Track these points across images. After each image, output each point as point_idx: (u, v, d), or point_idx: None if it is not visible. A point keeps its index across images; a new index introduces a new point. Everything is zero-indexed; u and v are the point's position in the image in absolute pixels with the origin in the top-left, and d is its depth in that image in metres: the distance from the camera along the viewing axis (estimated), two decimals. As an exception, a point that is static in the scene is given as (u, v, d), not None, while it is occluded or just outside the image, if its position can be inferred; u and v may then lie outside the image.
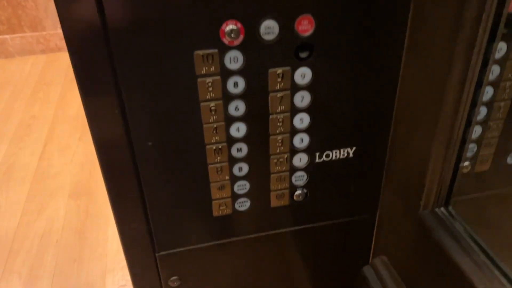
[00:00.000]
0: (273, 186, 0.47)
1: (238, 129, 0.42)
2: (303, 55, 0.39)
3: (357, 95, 0.42)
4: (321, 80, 0.40)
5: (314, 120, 0.43)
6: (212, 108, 0.40)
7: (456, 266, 0.36)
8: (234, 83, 0.39)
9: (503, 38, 0.37)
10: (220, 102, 0.40)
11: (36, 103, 1.86)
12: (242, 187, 0.46)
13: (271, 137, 0.43)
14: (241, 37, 0.36)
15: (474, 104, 0.39)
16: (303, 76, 0.40)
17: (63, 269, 1.16)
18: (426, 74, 0.39)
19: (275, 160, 0.45)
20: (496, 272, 0.34)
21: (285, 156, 0.45)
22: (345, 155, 0.46)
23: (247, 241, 0.50)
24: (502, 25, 0.35)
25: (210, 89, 0.39)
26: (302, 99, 0.41)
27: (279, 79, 0.39)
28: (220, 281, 0.54)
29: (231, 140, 0.42)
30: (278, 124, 0.42)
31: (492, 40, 0.35)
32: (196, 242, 0.49)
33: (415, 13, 0.38)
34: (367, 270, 0.49)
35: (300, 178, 0.47)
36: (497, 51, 0.38)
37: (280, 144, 0.44)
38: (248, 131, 0.42)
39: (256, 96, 0.40)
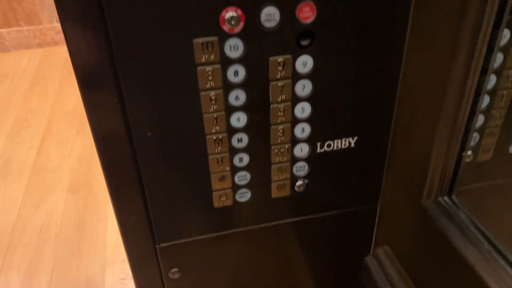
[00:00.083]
0: (274, 177, 0.46)
1: (239, 119, 0.41)
2: (305, 42, 0.38)
3: (359, 83, 0.42)
4: (323, 68, 0.40)
5: (316, 110, 0.42)
6: (212, 97, 0.39)
7: (460, 255, 0.36)
8: (235, 72, 0.38)
9: (508, 25, 0.36)
10: (220, 91, 0.39)
11: (33, 98, 1.85)
12: (242, 178, 0.45)
13: (272, 127, 0.42)
14: (241, 24, 0.36)
15: (477, 93, 0.38)
16: (305, 64, 0.39)
17: (62, 263, 1.15)
18: (429, 61, 0.38)
19: (276, 151, 0.44)
20: (501, 261, 0.34)
21: (286, 146, 0.44)
22: (347, 145, 0.46)
23: (248, 232, 0.50)
24: (507, 11, 0.34)
25: (210, 78, 0.38)
26: (304, 88, 0.41)
27: (280, 68, 0.39)
28: (221, 272, 0.54)
29: (232, 130, 0.42)
30: (279, 113, 0.42)
31: (497, 27, 0.35)
32: (197, 233, 0.48)
33: (418, -1, 0.37)
34: (369, 261, 0.49)
35: (301, 169, 0.46)
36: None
37: (281, 134, 0.43)
38: (248, 121, 0.41)
39: (257, 85, 0.40)
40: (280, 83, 0.40)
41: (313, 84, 0.40)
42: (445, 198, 0.40)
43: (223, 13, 0.35)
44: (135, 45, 0.35)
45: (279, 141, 0.43)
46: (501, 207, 0.46)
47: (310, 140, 0.44)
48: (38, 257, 1.18)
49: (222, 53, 0.37)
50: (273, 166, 0.45)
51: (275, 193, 0.47)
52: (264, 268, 0.55)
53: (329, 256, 0.56)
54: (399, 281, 0.46)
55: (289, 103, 0.41)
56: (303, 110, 0.42)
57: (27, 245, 1.21)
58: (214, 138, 0.42)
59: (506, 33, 0.38)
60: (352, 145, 0.46)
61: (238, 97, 0.40)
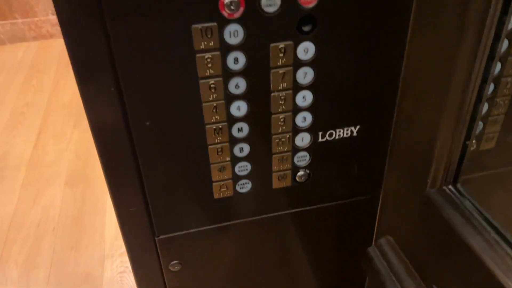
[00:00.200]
0: (275, 167, 0.45)
1: (239, 108, 0.40)
2: (306, 28, 0.37)
3: (362, 71, 0.41)
4: (325, 55, 0.39)
5: (317, 98, 0.41)
6: (212, 85, 0.38)
7: (467, 244, 0.35)
8: (234, 59, 0.37)
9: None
10: (220, 79, 0.38)
11: (29, 91, 1.83)
12: (243, 168, 0.45)
13: (273, 116, 0.42)
14: (241, 9, 0.35)
15: (483, 80, 0.37)
16: (306, 51, 0.38)
17: (60, 257, 1.15)
18: (434, 47, 0.37)
19: (277, 140, 0.43)
20: (508, 250, 0.34)
21: (287, 135, 0.43)
22: (349, 134, 0.45)
23: (248, 223, 0.49)
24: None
25: (210, 65, 0.37)
26: (305, 75, 0.40)
27: (281, 54, 0.38)
28: (221, 264, 0.53)
29: (232, 120, 0.41)
30: (280, 102, 0.41)
31: (504, 12, 0.34)
32: (197, 225, 0.48)
33: (422, -17, 0.36)
34: (372, 251, 0.48)
35: (302, 159, 0.46)
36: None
37: (282, 123, 0.42)
38: (249, 109, 0.41)
39: (257, 73, 0.39)
40: (281, 71, 0.39)
41: (314, 71, 0.40)
42: (450, 186, 0.40)
43: (222, -3, 0.34)
44: (132, 32, 0.34)
45: (280, 130, 0.43)
46: (505, 195, 0.46)
47: (312, 129, 0.43)
48: (36, 251, 1.17)
49: (222, 40, 0.36)
50: (274, 156, 0.44)
51: (276, 184, 0.47)
52: (265, 260, 0.55)
53: (331, 247, 0.56)
54: (402, 271, 0.45)
55: (290, 91, 0.40)
56: (304, 98, 0.41)
57: (25, 239, 1.20)
58: (214, 127, 0.41)
59: (512, 18, 0.37)
60: (354, 134, 0.45)
61: (238, 85, 0.39)
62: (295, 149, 0.45)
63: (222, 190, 0.45)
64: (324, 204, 0.50)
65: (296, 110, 0.42)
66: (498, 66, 0.40)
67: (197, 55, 0.36)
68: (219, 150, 0.43)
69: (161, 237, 0.48)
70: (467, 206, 0.38)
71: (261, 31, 0.36)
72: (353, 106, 0.43)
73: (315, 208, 0.50)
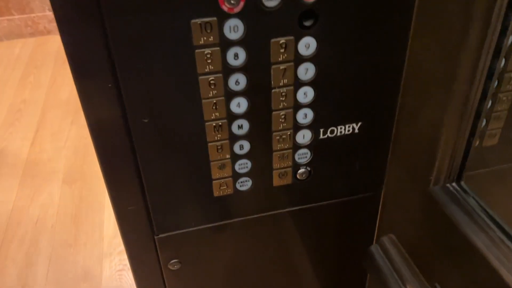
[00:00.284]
0: (275, 165, 0.45)
1: (239, 105, 0.40)
2: (308, 23, 0.36)
3: (364, 66, 0.40)
4: (326, 50, 0.38)
5: (319, 94, 0.41)
6: (211, 82, 0.38)
7: (470, 242, 0.35)
8: (234, 55, 0.37)
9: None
10: (220, 75, 0.37)
11: (27, 88, 1.82)
12: (243, 166, 0.44)
13: (274, 113, 0.41)
14: (242, 3, 0.34)
15: (488, 75, 0.37)
16: (307, 46, 0.37)
17: (59, 255, 1.14)
18: (438, 42, 0.37)
19: (278, 137, 0.43)
20: (513, 248, 0.33)
21: (288, 132, 0.43)
22: (351, 130, 0.44)
23: (248, 222, 0.49)
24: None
25: (209, 61, 0.36)
26: (306, 71, 0.39)
27: (282, 50, 0.37)
28: (221, 263, 0.53)
29: (232, 116, 0.40)
30: (281, 98, 0.40)
31: (511, 7, 0.33)
32: (196, 223, 0.47)
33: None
34: (374, 249, 0.48)
35: (303, 156, 0.45)
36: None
37: (283, 120, 0.42)
38: (249, 106, 0.40)
39: (258, 69, 0.38)
40: (282, 66, 0.38)
41: (316, 67, 0.39)
42: (454, 184, 0.39)
43: (222, -9, 0.33)
44: (130, 27, 0.34)
45: (280, 127, 0.42)
46: (508, 193, 0.45)
47: (313, 126, 0.43)
48: (34, 249, 1.16)
49: (222, 35, 0.35)
50: (274, 153, 0.44)
51: (276, 181, 0.46)
52: (266, 258, 0.54)
53: (332, 245, 0.55)
54: (405, 269, 0.45)
55: (291, 88, 0.40)
56: (305, 94, 0.40)
57: (23, 236, 1.20)
58: (214, 124, 0.40)
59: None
60: (356, 130, 0.44)
61: (238, 81, 0.38)
62: (296, 146, 0.44)
63: (222, 188, 0.45)
64: (325, 202, 0.50)
65: (297, 106, 0.41)
66: (501, 62, 0.40)
67: (197, 50, 0.36)
68: (219, 147, 0.42)
69: (160, 235, 0.47)
70: (471, 203, 0.37)
71: (261, 26, 0.36)
72: (355, 103, 0.43)
73: (316, 206, 0.50)
